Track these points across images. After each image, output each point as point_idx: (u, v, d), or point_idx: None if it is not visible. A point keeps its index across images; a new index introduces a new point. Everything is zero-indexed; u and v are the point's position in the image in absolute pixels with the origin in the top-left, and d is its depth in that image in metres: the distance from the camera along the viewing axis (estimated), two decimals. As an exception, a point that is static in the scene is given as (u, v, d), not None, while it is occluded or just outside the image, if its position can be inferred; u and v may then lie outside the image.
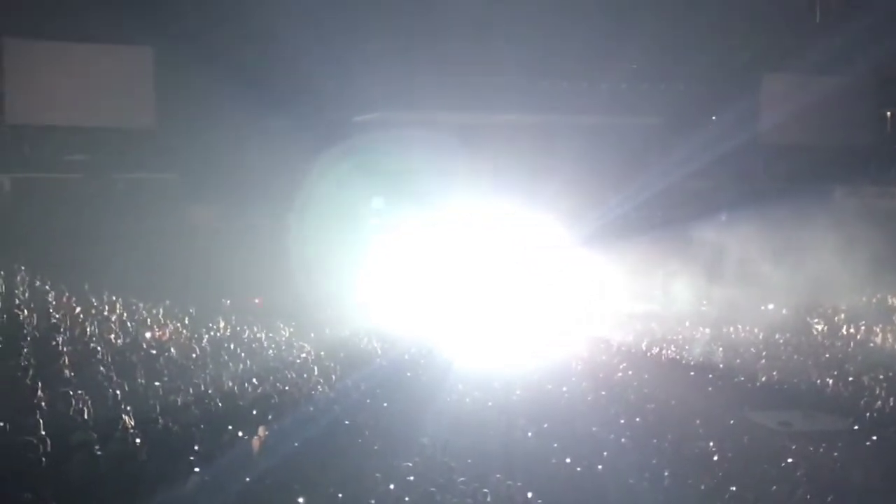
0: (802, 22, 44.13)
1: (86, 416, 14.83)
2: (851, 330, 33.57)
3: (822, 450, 19.11)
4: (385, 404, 20.89)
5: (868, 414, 22.35)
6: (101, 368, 18.05)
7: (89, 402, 15.40)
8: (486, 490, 14.61)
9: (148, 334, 23.47)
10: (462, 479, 15.21)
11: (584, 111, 42.39)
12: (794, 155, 43.95)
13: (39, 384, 15.51)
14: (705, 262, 37.58)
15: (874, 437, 19.88)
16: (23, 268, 27.29)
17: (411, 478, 15.08)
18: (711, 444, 18.99)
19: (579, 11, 39.95)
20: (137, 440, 14.14)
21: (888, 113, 44.80)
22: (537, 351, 30.07)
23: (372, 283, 37.11)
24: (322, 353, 26.35)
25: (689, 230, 39.28)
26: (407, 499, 14.02)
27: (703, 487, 16.05)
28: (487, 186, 41.33)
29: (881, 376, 26.32)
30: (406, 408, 20.70)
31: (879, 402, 23.21)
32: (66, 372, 17.07)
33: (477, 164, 40.63)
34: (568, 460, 17.24)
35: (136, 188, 37.70)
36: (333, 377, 23.35)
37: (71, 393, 15.49)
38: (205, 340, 24.74)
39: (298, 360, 24.91)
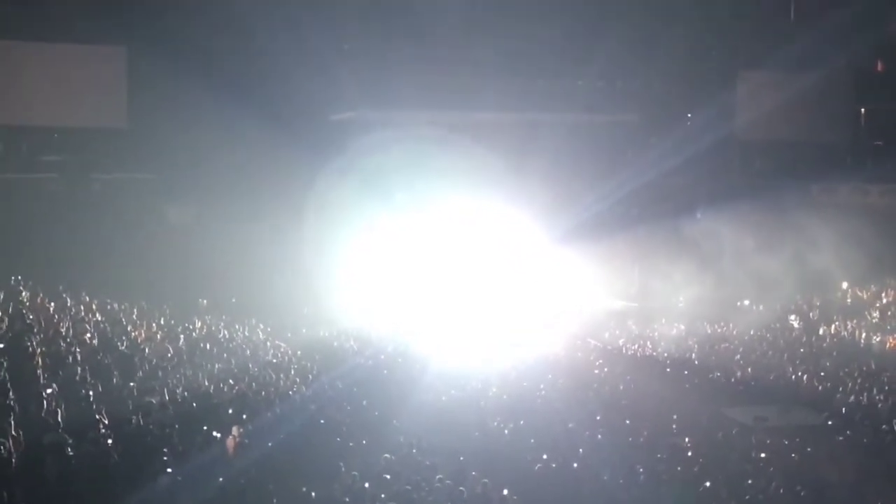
0: (778, 19, 44.35)
1: (59, 418, 14.74)
2: (826, 326, 33.76)
3: (796, 445, 19.21)
4: (362, 403, 20.89)
5: (843, 409, 22.50)
6: (76, 369, 17.94)
7: (63, 404, 15.31)
8: (462, 488, 14.60)
9: (123, 335, 23.31)
10: (439, 476, 15.21)
11: (560, 109, 42.51)
12: (770, 151, 44.28)
13: (10, 386, 15.39)
14: (681, 259, 37.67)
15: (848, 432, 20.02)
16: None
17: (388, 476, 15.09)
18: (687, 439, 19.05)
19: (556, 10, 40.05)
20: (110, 441, 14.07)
21: (863, 110, 45.02)
22: (514, 349, 30.13)
23: (351, 281, 37.03)
24: (299, 352, 26.29)
25: (665, 227, 39.37)
26: (383, 496, 14.01)
27: (677, 483, 16.09)
28: (466, 184, 41.35)
29: (855, 372, 26.50)
30: (382, 406, 20.72)
31: (853, 397, 23.36)
32: (40, 373, 16.95)
33: (455, 162, 40.61)
34: (544, 457, 17.28)
35: (113, 188, 37.52)
36: (310, 376, 23.31)
37: (44, 394, 15.39)
38: (181, 340, 24.59)
39: (275, 360, 24.86)
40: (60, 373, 17.53)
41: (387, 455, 16.13)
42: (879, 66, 44.43)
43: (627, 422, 20.64)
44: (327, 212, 37.09)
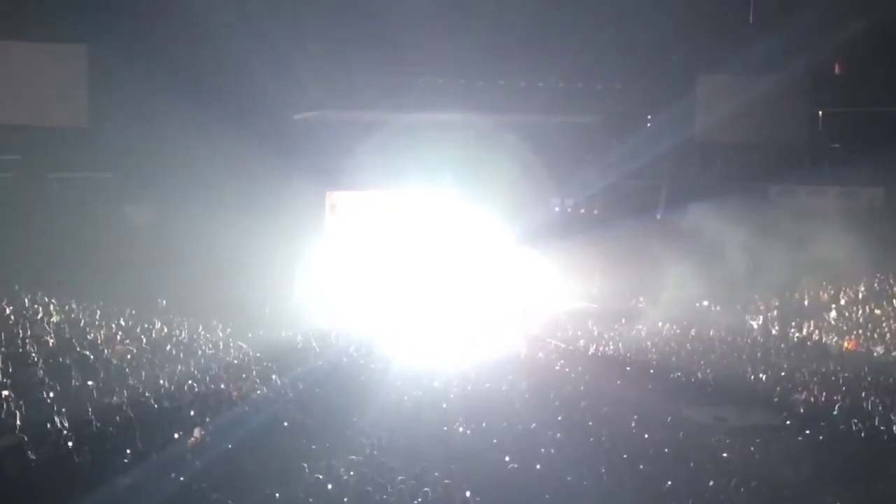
0: (737, 22, 44.69)
1: (17, 420, 14.55)
2: (784, 327, 34.10)
3: (756, 444, 19.41)
4: (324, 404, 20.81)
5: (801, 409, 22.74)
6: (35, 371, 17.72)
7: (22, 406, 15.12)
8: (426, 489, 14.59)
9: (82, 336, 23.04)
10: (401, 478, 15.20)
11: (521, 110, 42.62)
12: (730, 154, 44.55)
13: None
14: (642, 261, 37.90)
15: (807, 431, 20.25)
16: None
17: (351, 472, 15.06)
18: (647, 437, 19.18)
19: (518, 12, 40.11)
20: (70, 443, 13.91)
21: (821, 112, 45.45)
22: (477, 349, 30.18)
23: (311, 282, 36.94)
24: (259, 353, 26.13)
25: (625, 228, 39.61)
26: (345, 499, 13.96)
27: (639, 483, 16.16)
28: (426, 186, 41.41)
29: (813, 372, 26.80)
30: (345, 408, 20.66)
31: (812, 398, 23.62)
32: (-2, 375, 16.74)
33: (416, 163, 40.62)
34: (507, 458, 17.30)
35: (72, 188, 37.14)
36: (272, 377, 23.18)
37: (2, 396, 15.18)
38: (144, 342, 24.32)
39: (236, 361, 24.68)
40: (19, 375, 17.32)
41: (351, 458, 16.10)
42: (837, 69, 44.89)
43: (589, 422, 20.74)
44: (290, 212, 36.94)
